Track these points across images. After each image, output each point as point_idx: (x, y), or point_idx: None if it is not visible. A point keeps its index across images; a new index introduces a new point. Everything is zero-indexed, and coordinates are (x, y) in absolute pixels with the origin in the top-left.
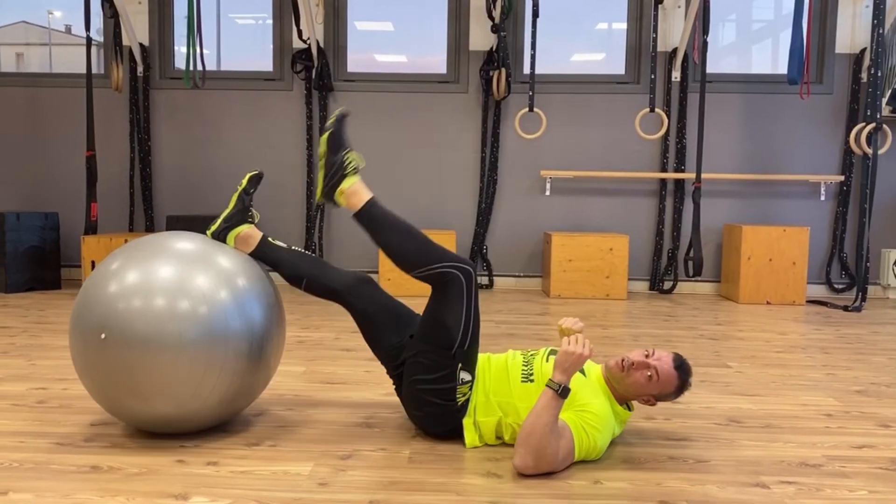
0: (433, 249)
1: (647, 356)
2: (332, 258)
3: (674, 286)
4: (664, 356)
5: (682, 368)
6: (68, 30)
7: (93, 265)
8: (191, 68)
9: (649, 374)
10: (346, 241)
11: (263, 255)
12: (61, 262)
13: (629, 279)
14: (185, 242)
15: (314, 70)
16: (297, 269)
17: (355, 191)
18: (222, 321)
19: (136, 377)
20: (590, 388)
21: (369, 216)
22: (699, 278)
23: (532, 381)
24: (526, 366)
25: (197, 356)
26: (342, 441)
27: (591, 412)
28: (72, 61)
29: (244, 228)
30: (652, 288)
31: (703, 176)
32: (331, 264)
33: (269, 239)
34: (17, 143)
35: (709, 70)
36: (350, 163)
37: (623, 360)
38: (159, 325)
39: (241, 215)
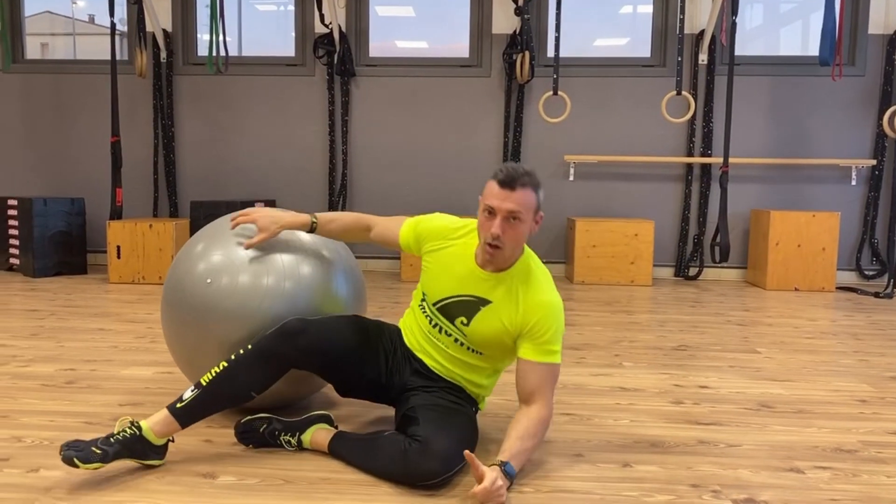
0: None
1: (488, 239)
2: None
3: (699, 272)
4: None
5: (496, 173)
6: (91, 19)
7: (118, 250)
8: (213, 54)
9: (493, 232)
10: None
11: (194, 417)
12: (87, 247)
13: (654, 265)
14: None
15: (336, 55)
16: (230, 397)
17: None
18: (307, 297)
19: (226, 353)
20: (512, 311)
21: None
22: (725, 264)
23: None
24: (458, 343)
25: None
26: (368, 423)
27: (551, 339)
28: (95, 51)
29: (143, 425)
30: (677, 274)
31: (731, 160)
32: (241, 356)
33: (178, 405)
34: (43, 129)
35: (737, 52)
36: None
37: (484, 252)
38: (247, 301)
39: (131, 440)
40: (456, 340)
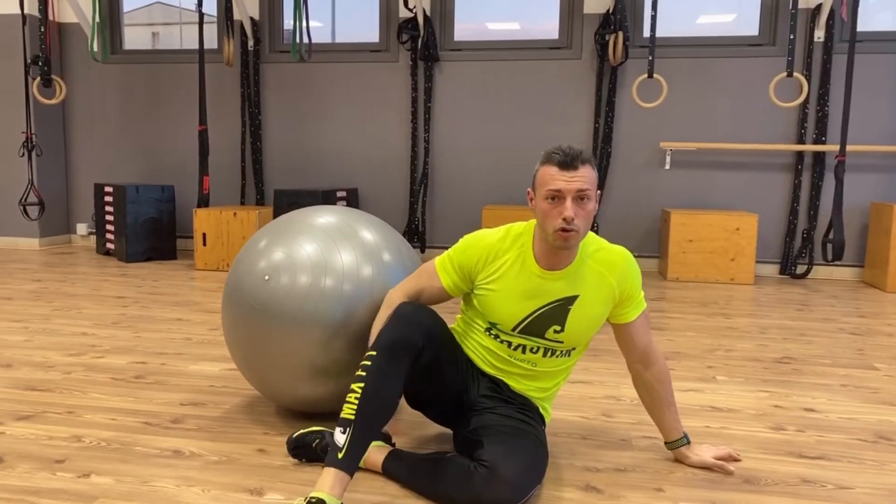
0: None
1: (561, 225)
2: (434, 233)
3: (808, 270)
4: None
5: (551, 157)
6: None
7: (204, 238)
8: (297, 41)
9: (566, 216)
10: (449, 216)
11: (358, 457)
12: (177, 233)
13: (757, 262)
14: (328, 217)
15: (420, 40)
16: (383, 414)
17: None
18: (366, 301)
19: (282, 354)
20: (606, 293)
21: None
22: (839, 262)
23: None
24: (537, 353)
25: (344, 335)
26: (426, 442)
27: (639, 285)
28: (197, 38)
29: (323, 496)
30: (783, 272)
31: (849, 148)
32: (370, 367)
33: (340, 456)
34: (138, 118)
35: (859, 28)
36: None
37: (556, 240)
38: (303, 304)
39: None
40: (546, 352)
